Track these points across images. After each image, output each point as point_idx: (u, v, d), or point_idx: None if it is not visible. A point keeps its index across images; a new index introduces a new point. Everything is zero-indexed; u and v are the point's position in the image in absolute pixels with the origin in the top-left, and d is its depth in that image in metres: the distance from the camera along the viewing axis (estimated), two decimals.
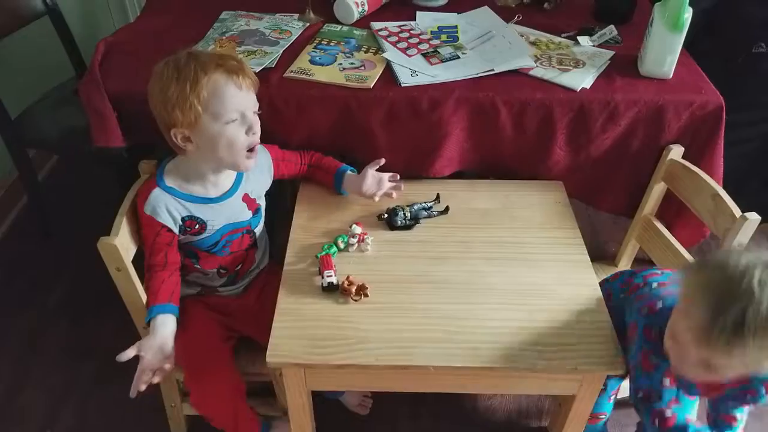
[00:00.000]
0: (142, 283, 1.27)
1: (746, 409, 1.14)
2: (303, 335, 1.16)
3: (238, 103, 1.17)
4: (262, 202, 1.38)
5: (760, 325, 0.88)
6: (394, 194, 1.44)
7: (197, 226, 1.26)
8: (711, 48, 1.11)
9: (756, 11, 1.66)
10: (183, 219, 1.25)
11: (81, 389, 1.71)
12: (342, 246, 1.32)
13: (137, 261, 1.26)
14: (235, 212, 1.31)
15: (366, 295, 1.22)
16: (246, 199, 1.32)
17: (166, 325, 1.20)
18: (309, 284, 1.25)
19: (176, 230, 1.24)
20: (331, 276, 1.23)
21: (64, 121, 1.86)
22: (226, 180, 1.29)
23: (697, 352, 0.96)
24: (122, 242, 1.19)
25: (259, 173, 1.35)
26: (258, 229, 1.38)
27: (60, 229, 2.14)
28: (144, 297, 1.25)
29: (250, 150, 1.22)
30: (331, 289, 1.23)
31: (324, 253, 1.30)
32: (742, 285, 0.89)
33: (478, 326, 1.18)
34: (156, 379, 1.18)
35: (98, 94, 1.39)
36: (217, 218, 1.28)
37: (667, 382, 1.11)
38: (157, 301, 1.21)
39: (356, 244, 1.33)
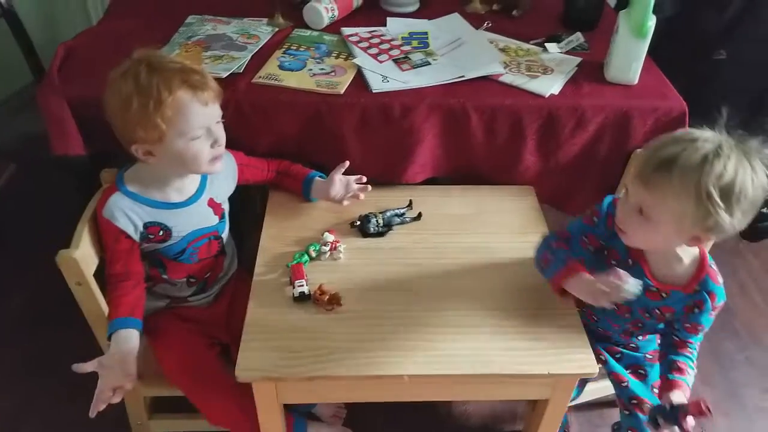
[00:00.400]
0: (105, 296, 1.22)
1: (697, 342, 1.18)
2: (274, 347, 1.13)
3: (203, 119, 1.13)
4: (226, 207, 1.35)
5: (689, 166, 0.96)
6: (361, 196, 1.42)
7: (161, 233, 1.22)
8: (673, 55, 1.14)
9: (715, 19, 1.70)
10: (145, 225, 1.20)
11: (40, 406, 1.64)
12: (314, 254, 1.30)
13: (99, 274, 1.22)
14: (201, 218, 1.27)
15: (339, 305, 1.20)
16: (211, 203, 1.29)
17: (128, 341, 1.15)
18: (280, 294, 1.23)
19: (136, 237, 1.20)
20: (302, 285, 1.21)
21: (22, 128, 1.80)
22: (190, 185, 1.26)
23: (633, 191, 1.05)
24: (83, 255, 1.15)
25: (224, 178, 1.32)
26: (225, 235, 1.35)
27: (18, 239, 2.06)
28: (107, 310, 1.21)
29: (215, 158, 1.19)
30: (302, 299, 1.21)
31: (295, 262, 1.27)
32: (687, 137, 1.00)
33: (452, 333, 1.18)
34: (116, 399, 1.13)
35: (57, 100, 1.34)
36: (182, 224, 1.24)
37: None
38: (119, 314, 1.16)
39: (329, 252, 1.31)
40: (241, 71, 1.44)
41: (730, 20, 1.68)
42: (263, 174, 1.42)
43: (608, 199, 1.20)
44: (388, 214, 1.39)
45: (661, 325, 1.25)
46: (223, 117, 1.20)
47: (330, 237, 1.33)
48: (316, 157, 1.49)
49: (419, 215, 1.42)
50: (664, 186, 0.99)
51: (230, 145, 1.25)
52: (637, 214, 1.05)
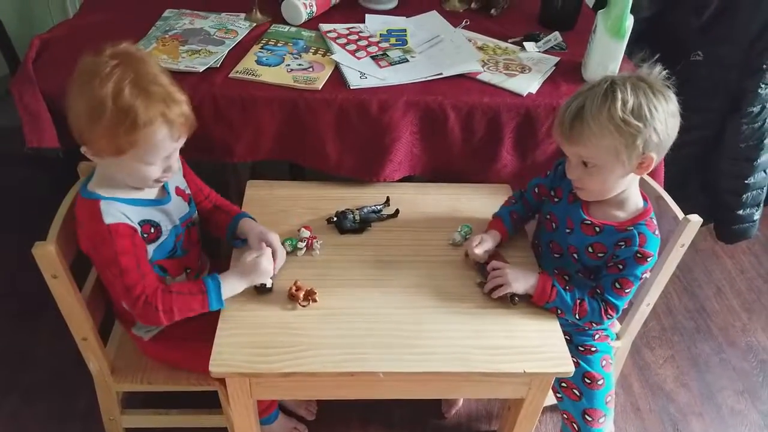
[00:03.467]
0: (80, 289, 1.20)
1: (610, 301, 1.21)
2: (248, 343, 1.12)
3: (167, 152, 1.09)
4: (188, 191, 1.30)
5: (596, 108, 1.08)
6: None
7: (153, 230, 1.19)
8: (651, 56, 1.16)
9: (691, 20, 1.72)
10: (140, 224, 1.15)
11: (14, 401, 1.62)
12: (289, 249, 1.29)
13: (76, 267, 1.19)
14: (178, 209, 1.25)
15: (314, 300, 1.19)
16: (179, 192, 1.26)
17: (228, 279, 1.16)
18: (254, 290, 1.21)
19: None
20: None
21: None
22: None
23: (568, 152, 1.16)
24: (59, 247, 1.12)
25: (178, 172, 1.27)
26: (196, 218, 1.32)
27: None
28: (83, 307, 1.18)
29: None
30: (263, 292, 1.19)
31: None
32: (583, 89, 1.13)
33: (428, 331, 1.17)
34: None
35: (31, 92, 1.32)
36: (167, 219, 1.22)
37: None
38: (196, 288, 1.14)
39: (305, 249, 1.31)
40: (218, 66, 1.43)
41: (707, 21, 1.69)
42: (201, 196, 1.34)
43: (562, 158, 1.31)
44: (365, 210, 1.39)
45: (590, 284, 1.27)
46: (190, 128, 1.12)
47: (306, 233, 1.32)
48: (293, 154, 1.48)
49: (396, 212, 1.42)
50: (586, 133, 1.10)
51: (206, 143, 1.22)
52: (583, 168, 1.15)
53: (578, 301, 1.21)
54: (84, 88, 1.02)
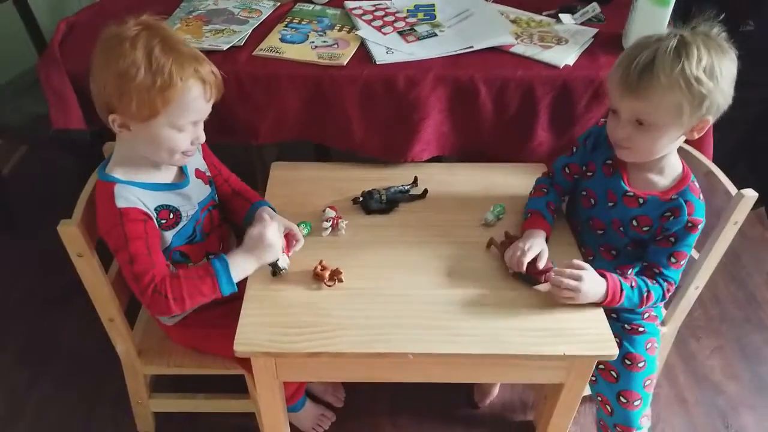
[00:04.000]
0: (106, 271, 1.19)
1: (667, 278, 1.15)
2: (273, 323, 1.09)
3: (198, 115, 1.08)
4: (208, 172, 1.28)
5: (668, 62, 1.02)
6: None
7: (171, 216, 1.16)
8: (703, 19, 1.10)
9: None
10: (156, 210, 1.13)
11: (44, 386, 1.63)
12: (305, 232, 1.24)
13: (103, 247, 1.16)
14: (199, 192, 1.22)
15: (341, 281, 1.15)
16: (199, 174, 1.24)
17: (237, 256, 1.11)
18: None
19: (156, 224, 1.13)
20: (277, 259, 1.14)
21: (27, 108, 1.77)
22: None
23: (624, 107, 1.09)
24: (84, 226, 1.11)
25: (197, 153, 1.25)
26: (216, 201, 1.29)
27: (26, 222, 2.05)
28: (109, 286, 1.17)
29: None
30: (277, 272, 1.15)
31: None
32: (649, 41, 1.06)
33: (459, 312, 1.12)
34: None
35: (57, 73, 1.32)
36: (188, 203, 1.19)
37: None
38: (202, 271, 1.09)
39: (330, 229, 1.27)
40: (242, 44, 1.40)
41: None
42: (220, 179, 1.31)
43: (587, 131, 1.28)
44: (392, 190, 1.34)
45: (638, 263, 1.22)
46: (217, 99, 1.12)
47: (331, 213, 1.28)
48: (319, 135, 1.44)
49: (425, 192, 1.37)
50: (655, 88, 1.03)
51: (230, 123, 1.20)
52: (636, 126, 1.09)
53: (645, 295, 1.14)
54: (112, 53, 1.02)
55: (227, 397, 1.43)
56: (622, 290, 1.12)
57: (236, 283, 1.10)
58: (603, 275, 1.12)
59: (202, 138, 1.11)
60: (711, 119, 1.08)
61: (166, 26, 1.07)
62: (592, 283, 1.11)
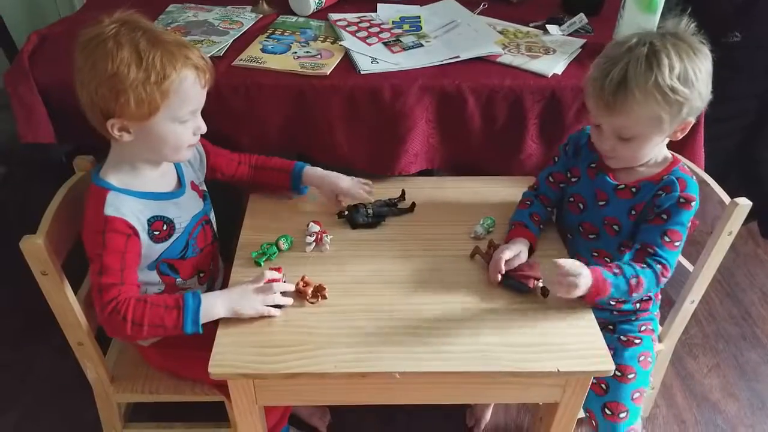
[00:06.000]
0: (75, 293, 1.12)
1: (659, 258, 1.10)
2: (251, 342, 1.03)
3: (196, 103, 1.06)
4: (204, 188, 1.25)
5: (641, 75, 1.00)
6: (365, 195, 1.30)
7: (165, 227, 1.11)
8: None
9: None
10: (149, 222, 1.08)
11: (16, 414, 1.55)
12: (284, 247, 1.19)
13: (68, 264, 1.11)
14: (193, 204, 1.18)
15: (324, 297, 1.10)
16: (194, 187, 1.20)
17: (210, 299, 1.05)
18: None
19: (144, 237, 1.08)
20: None
21: (1, 126, 1.72)
22: (170, 172, 1.17)
23: (603, 122, 1.08)
24: (50, 242, 1.05)
25: (194, 161, 1.23)
26: (212, 217, 1.25)
27: (8, 241, 1.97)
28: (77, 307, 1.10)
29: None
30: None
31: (260, 252, 1.17)
32: (619, 51, 1.03)
33: (449, 328, 1.06)
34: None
35: (26, 85, 1.27)
36: (182, 215, 1.14)
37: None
38: (172, 301, 1.03)
39: (314, 244, 1.21)
40: (221, 55, 1.36)
41: (744, 1, 1.58)
42: (234, 165, 1.30)
43: (566, 139, 1.27)
44: (378, 204, 1.29)
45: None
46: None
47: (316, 228, 1.22)
48: (302, 147, 1.39)
49: (413, 206, 1.32)
50: (631, 104, 1.02)
51: (210, 136, 1.16)
52: (618, 139, 1.08)
53: (633, 281, 1.08)
54: (97, 55, 0.98)
55: (206, 426, 1.35)
56: (605, 279, 1.06)
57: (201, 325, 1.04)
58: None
59: (203, 127, 1.09)
60: (693, 119, 1.07)
61: (142, 19, 1.04)
62: (586, 274, 1.06)
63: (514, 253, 1.13)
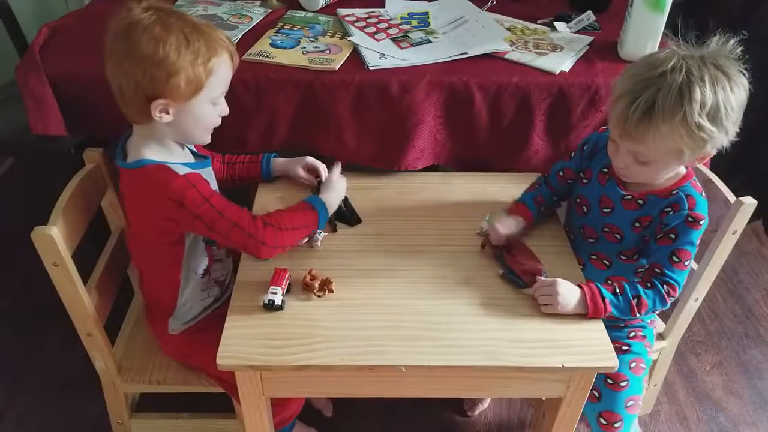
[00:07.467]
0: (85, 283, 1.13)
1: (667, 279, 1.09)
2: (259, 335, 1.04)
3: (227, 84, 1.12)
4: None
5: (669, 108, 0.95)
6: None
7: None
8: (688, 28, 1.07)
9: None
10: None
11: (21, 405, 1.57)
12: None
13: (79, 258, 1.12)
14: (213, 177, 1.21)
15: (331, 291, 1.10)
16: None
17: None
18: (266, 280, 1.12)
19: None
20: (275, 294, 1.07)
21: (12, 118, 1.73)
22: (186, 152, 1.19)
23: (622, 145, 1.04)
24: (61, 232, 1.06)
25: None
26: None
27: (14, 233, 1.99)
28: (87, 298, 1.12)
29: None
30: (272, 309, 1.07)
31: None
32: (653, 73, 0.97)
33: (454, 323, 1.07)
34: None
35: (37, 77, 1.28)
36: (212, 183, 1.16)
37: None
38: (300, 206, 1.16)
39: (305, 239, 1.20)
40: None
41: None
42: (218, 164, 1.31)
43: (586, 138, 1.24)
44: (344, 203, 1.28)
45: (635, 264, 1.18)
46: None
47: None
48: (310, 142, 1.40)
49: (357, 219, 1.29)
50: (653, 135, 0.99)
51: (220, 131, 1.16)
52: (634, 160, 1.05)
53: (634, 301, 1.08)
54: (146, 42, 1.00)
55: (213, 417, 1.36)
56: (603, 297, 1.06)
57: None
58: (579, 285, 1.08)
59: (227, 110, 1.13)
60: (714, 152, 1.04)
61: (171, 6, 1.10)
62: (566, 287, 1.06)
63: (506, 227, 1.16)
